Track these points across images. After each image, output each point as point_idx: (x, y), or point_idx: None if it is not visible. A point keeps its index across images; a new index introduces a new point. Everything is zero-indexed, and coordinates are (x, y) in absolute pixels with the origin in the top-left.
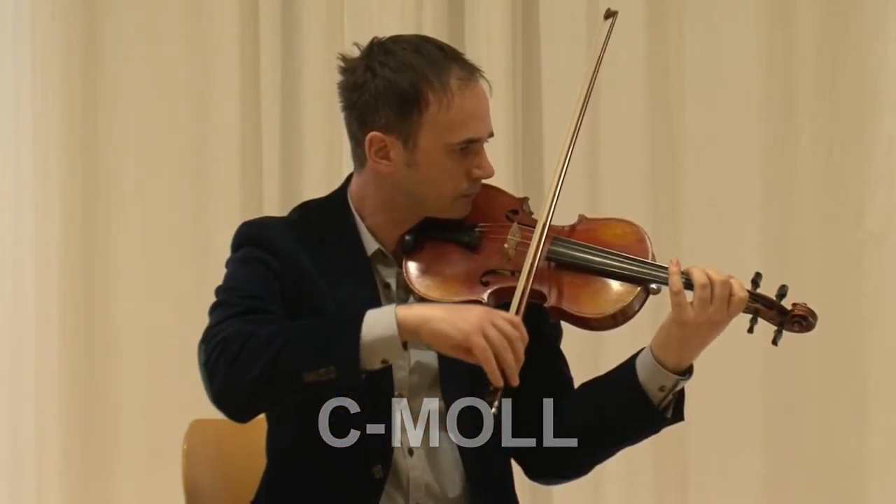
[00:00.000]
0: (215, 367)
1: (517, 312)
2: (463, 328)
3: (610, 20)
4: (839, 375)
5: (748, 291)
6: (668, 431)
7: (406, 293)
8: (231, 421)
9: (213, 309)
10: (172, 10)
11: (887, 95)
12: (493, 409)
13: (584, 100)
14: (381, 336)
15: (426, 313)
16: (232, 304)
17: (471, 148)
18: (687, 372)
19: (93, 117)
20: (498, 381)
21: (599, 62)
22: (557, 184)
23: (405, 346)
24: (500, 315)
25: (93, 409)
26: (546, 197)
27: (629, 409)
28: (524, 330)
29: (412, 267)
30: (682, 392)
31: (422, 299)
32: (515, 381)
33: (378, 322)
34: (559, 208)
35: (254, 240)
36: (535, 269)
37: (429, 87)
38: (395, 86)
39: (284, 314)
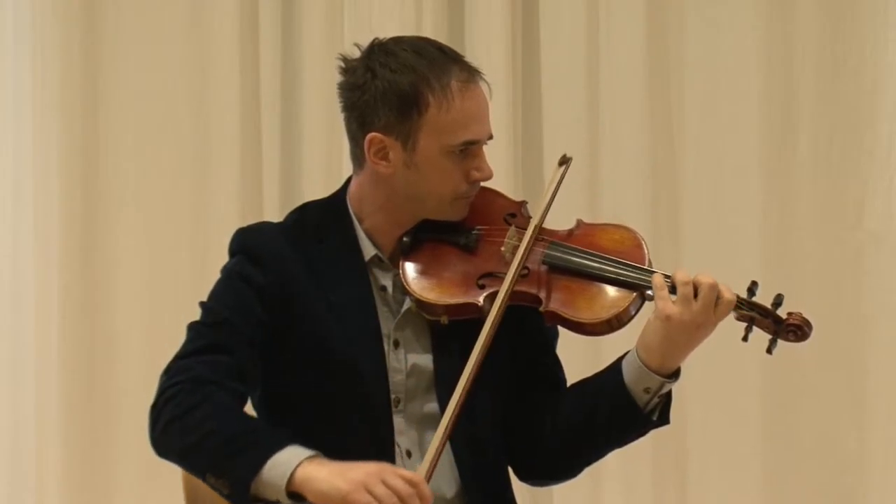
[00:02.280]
0: (159, 415)
1: (432, 463)
2: (342, 487)
3: (563, 167)
4: (839, 375)
5: (743, 300)
6: (668, 431)
7: (403, 295)
8: None
9: (189, 329)
10: (172, 11)
11: (887, 95)
12: None
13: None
14: (273, 481)
15: (314, 473)
16: (200, 335)
17: (470, 150)
18: (673, 375)
19: (93, 117)
20: None
21: (549, 206)
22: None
23: (291, 496)
24: (395, 474)
25: (93, 409)
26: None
27: (615, 411)
28: (425, 488)
29: (409, 268)
30: (669, 395)
31: (418, 301)
32: None
33: (282, 464)
34: (558, 212)
35: (244, 250)
36: (517, 272)
37: (429, 89)
38: (396, 87)
39: (252, 341)
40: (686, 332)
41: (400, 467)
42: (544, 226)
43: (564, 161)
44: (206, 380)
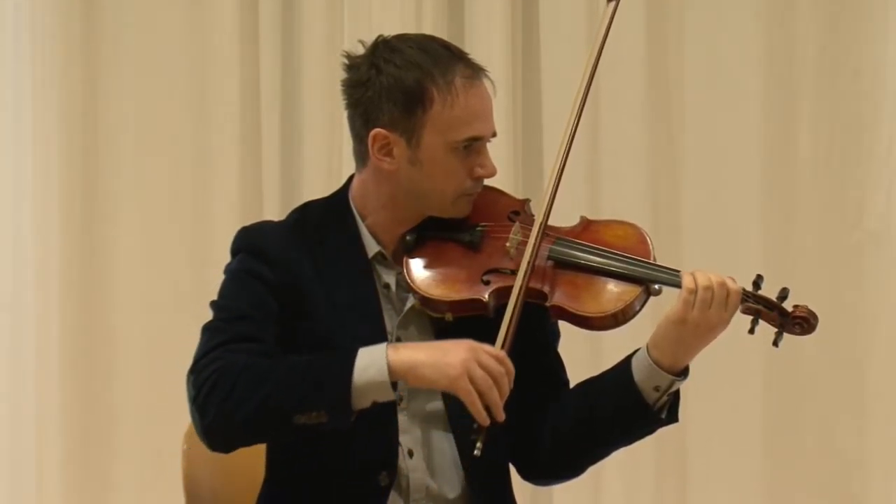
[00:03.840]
0: (206, 404)
1: (505, 339)
2: (448, 374)
3: (612, 4)
4: (839, 375)
5: (749, 293)
6: (668, 431)
7: (406, 293)
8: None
9: (203, 332)
10: (172, 11)
11: (887, 95)
12: (476, 450)
13: (587, 87)
14: (371, 380)
15: (414, 358)
16: (220, 331)
17: (474, 146)
18: (682, 373)
19: (93, 116)
20: (484, 421)
21: (602, 48)
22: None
23: (394, 387)
24: (484, 352)
25: (93, 409)
26: (545, 190)
27: (624, 409)
28: (510, 364)
29: (413, 266)
30: (677, 393)
31: (423, 298)
32: (501, 417)
33: (369, 365)
34: (560, 210)
35: (249, 248)
36: (531, 267)
37: (433, 85)
38: (401, 83)
39: (274, 334)
40: (699, 333)
41: (404, 462)
42: (549, 222)
43: None
44: (236, 359)
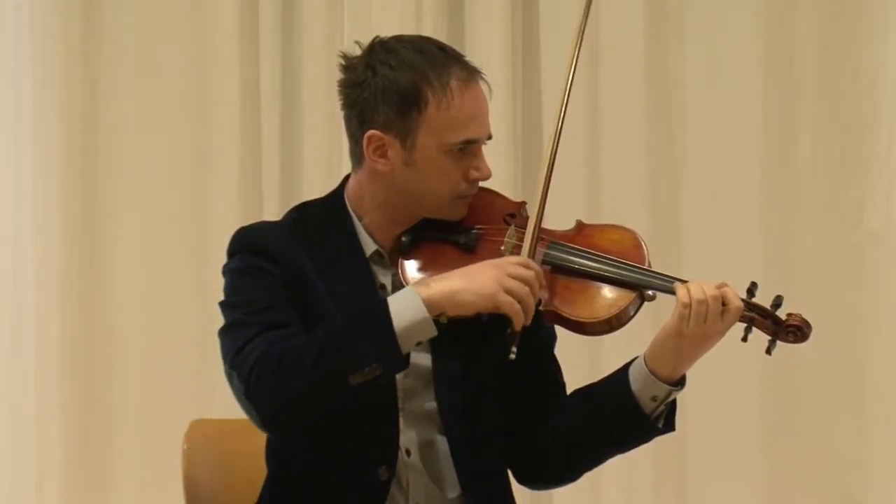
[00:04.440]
0: (258, 393)
1: (531, 247)
2: (486, 293)
3: None
4: (839, 375)
5: (742, 300)
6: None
7: None
8: (256, 425)
9: (227, 331)
10: (172, 11)
11: (887, 95)
12: (512, 354)
13: (569, 82)
14: (412, 321)
15: (447, 287)
16: (248, 324)
17: (469, 149)
18: (679, 383)
19: (92, 116)
20: (526, 322)
21: (582, 35)
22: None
23: (436, 321)
24: (511, 263)
25: (93, 409)
26: (537, 195)
27: (621, 418)
28: (536, 266)
29: (408, 267)
30: (673, 402)
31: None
32: (531, 318)
33: (405, 308)
34: (560, 210)
35: (249, 246)
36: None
37: (429, 87)
38: (396, 84)
39: (299, 319)
40: (697, 344)
41: (401, 461)
42: (544, 226)
43: None
44: (272, 345)
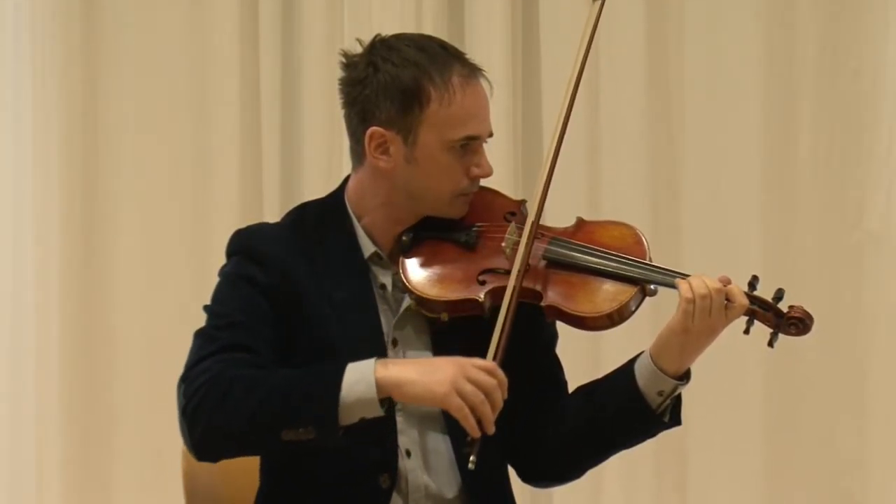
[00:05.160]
0: (195, 417)
1: (497, 347)
2: (436, 391)
3: (598, 3)
4: (839, 375)
5: (745, 294)
6: (668, 431)
7: (402, 293)
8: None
9: (195, 338)
10: (172, 11)
11: (887, 95)
12: (470, 464)
13: (574, 87)
14: (360, 397)
15: (401, 375)
16: (211, 339)
17: (470, 146)
18: (685, 377)
19: (92, 116)
20: (475, 433)
21: (588, 49)
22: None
23: (382, 404)
24: (474, 366)
25: (93, 408)
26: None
27: (627, 414)
28: (501, 374)
29: (409, 266)
30: (679, 396)
31: (418, 298)
32: (491, 430)
33: (358, 381)
34: (560, 210)
35: (243, 250)
36: (525, 267)
37: (431, 84)
38: (398, 80)
39: (267, 339)
40: (702, 338)
41: (402, 463)
42: (544, 223)
43: None
44: (226, 371)
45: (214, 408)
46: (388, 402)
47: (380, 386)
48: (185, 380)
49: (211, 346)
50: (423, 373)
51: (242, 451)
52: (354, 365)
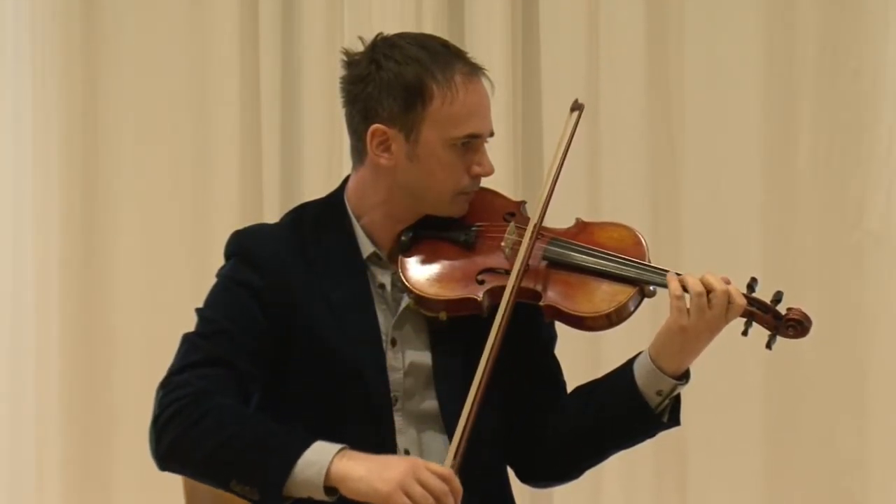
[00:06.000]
0: (163, 432)
1: (458, 450)
2: (380, 489)
3: (576, 113)
4: (839, 375)
5: (743, 295)
6: (668, 432)
7: (401, 293)
8: None
9: (182, 343)
10: (172, 11)
11: (887, 95)
12: None
13: (551, 187)
14: (308, 480)
15: (350, 471)
16: (196, 348)
17: (472, 144)
18: (684, 377)
19: (92, 116)
20: None
21: (565, 154)
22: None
23: (329, 492)
24: (428, 469)
25: (93, 408)
26: (538, 200)
27: (626, 414)
28: (456, 483)
29: (408, 265)
30: (678, 396)
31: (417, 296)
32: None
33: (313, 464)
34: (559, 210)
35: (239, 251)
36: (525, 267)
37: (434, 81)
38: (401, 77)
39: (252, 349)
40: (701, 337)
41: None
42: (544, 224)
43: (576, 107)
44: (207, 392)
45: (182, 433)
46: (335, 492)
47: (329, 475)
48: (164, 386)
49: (194, 356)
50: (371, 470)
51: (199, 480)
52: (321, 445)
